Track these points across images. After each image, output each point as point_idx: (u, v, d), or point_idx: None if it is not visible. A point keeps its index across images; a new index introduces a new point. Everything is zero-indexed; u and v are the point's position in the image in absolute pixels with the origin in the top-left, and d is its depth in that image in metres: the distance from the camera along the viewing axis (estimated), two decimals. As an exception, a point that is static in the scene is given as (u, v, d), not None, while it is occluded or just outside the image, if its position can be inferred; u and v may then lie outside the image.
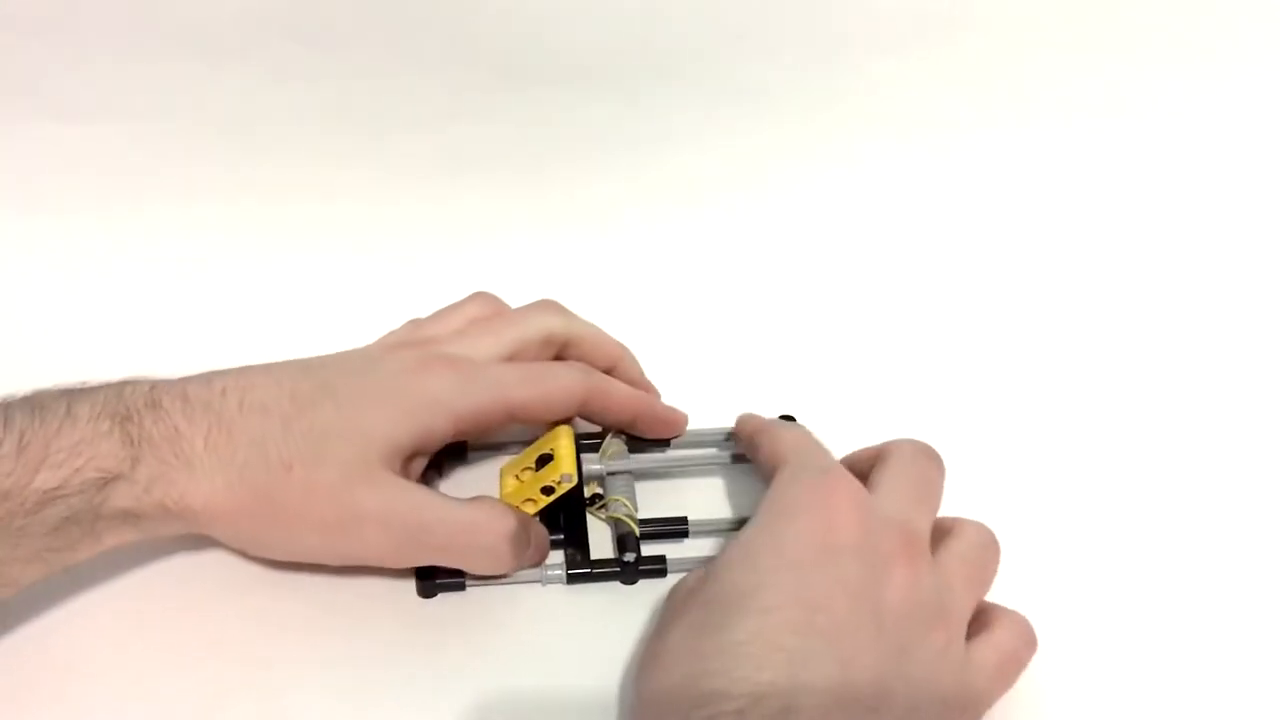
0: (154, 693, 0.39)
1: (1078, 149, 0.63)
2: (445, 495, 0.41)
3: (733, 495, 0.48)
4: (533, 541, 0.43)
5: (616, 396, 0.45)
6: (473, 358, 0.43)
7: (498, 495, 0.46)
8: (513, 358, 0.44)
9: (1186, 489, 0.49)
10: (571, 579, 0.44)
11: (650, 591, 0.43)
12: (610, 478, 0.47)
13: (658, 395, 0.49)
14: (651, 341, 0.50)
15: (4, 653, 0.40)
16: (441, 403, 0.41)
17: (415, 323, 0.46)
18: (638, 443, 0.48)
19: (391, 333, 0.46)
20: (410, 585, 0.43)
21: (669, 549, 0.45)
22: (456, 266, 0.50)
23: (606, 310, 0.49)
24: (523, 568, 0.43)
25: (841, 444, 0.44)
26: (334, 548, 0.40)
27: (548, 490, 0.44)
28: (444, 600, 0.43)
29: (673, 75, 0.58)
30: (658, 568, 0.44)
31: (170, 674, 0.40)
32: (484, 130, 0.58)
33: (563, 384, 0.44)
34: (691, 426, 0.48)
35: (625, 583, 0.44)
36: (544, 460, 0.45)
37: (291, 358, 0.43)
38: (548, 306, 0.47)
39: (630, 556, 0.44)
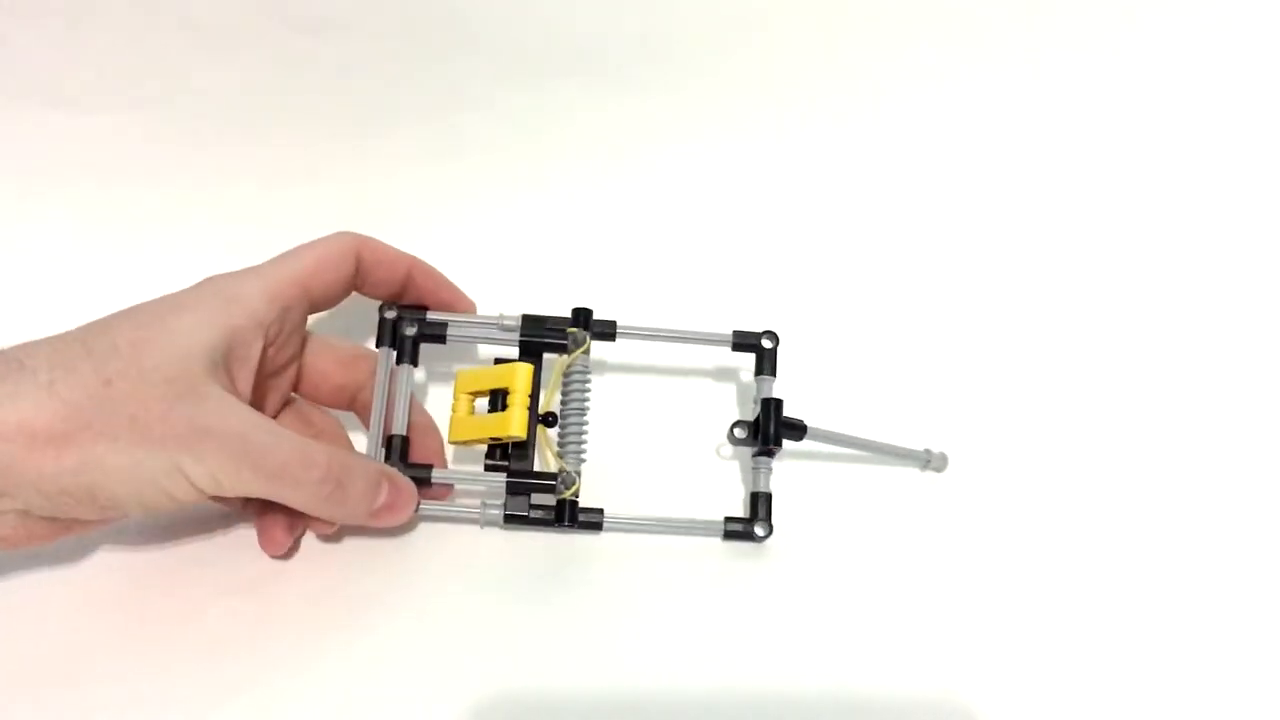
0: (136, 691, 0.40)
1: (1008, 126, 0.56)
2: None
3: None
4: (384, 498, 0.42)
5: (389, 249, 0.45)
6: None
7: (449, 406, 0.46)
8: None
9: (1183, 487, 0.50)
10: (508, 520, 0.45)
11: (588, 542, 0.45)
12: (566, 404, 0.46)
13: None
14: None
15: (3, 652, 0.40)
16: (240, 298, 0.39)
17: None
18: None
19: None
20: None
21: (609, 503, 0.45)
22: (452, 256, 0.48)
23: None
24: (377, 522, 0.42)
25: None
26: (170, 469, 0.36)
27: (495, 441, 0.45)
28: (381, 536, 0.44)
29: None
30: (594, 520, 0.45)
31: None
32: (479, 119, 0.54)
33: (332, 239, 0.44)
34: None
35: (561, 530, 0.45)
36: (499, 395, 0.45)
37: None
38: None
39: (568, 507, 0.44)
